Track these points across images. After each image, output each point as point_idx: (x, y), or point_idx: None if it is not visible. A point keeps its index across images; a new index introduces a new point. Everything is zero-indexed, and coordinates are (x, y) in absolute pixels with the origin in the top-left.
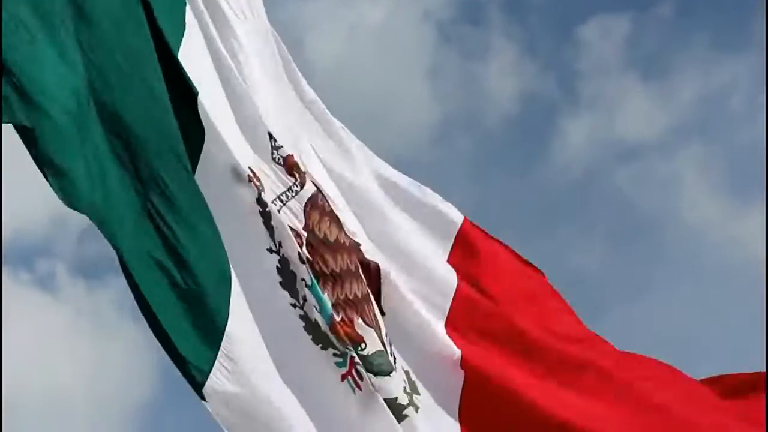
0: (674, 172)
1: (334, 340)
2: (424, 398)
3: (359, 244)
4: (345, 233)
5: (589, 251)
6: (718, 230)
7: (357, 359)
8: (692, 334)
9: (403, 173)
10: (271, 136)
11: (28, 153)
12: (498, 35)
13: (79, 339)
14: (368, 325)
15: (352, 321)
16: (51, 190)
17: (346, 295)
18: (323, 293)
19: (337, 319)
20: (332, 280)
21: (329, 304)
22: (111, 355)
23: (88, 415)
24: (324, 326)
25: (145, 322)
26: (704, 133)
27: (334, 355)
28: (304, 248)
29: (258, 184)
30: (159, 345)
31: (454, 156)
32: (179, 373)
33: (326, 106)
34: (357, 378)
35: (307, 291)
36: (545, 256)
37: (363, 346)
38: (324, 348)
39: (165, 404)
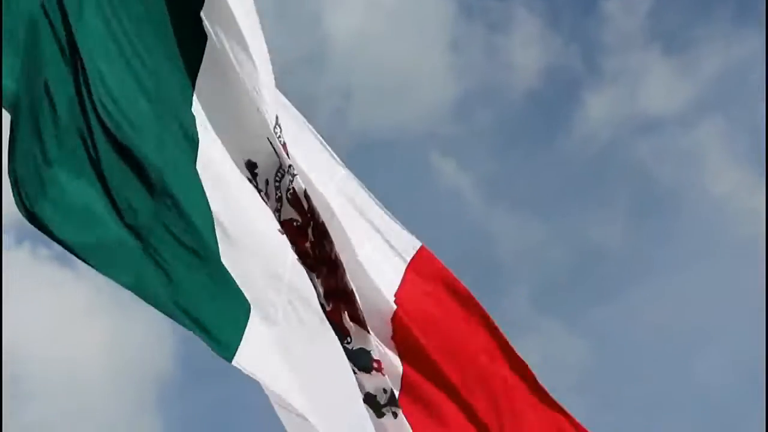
0: (696, 145)
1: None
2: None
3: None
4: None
5: (611, 225)
6: (740, 203)
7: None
8: (714, 307)
9: (424, 147)
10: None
11: None
12: (521, 8)
13: (98, 314)
14: (353, 320)
15: (340, 313)
16: None
17: (337, 284)
18: (318, 279)
19: (328, 308)
20: (327, 266)
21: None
22: (129, 330)
23: (107, 387)
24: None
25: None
26: (725, 107)
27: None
28: (309, 230)
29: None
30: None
31: (475, 129)
32: (197, 348)
33: (347, 81)
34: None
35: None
36: (566, 230)
37: (349, 339)
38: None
39: (183, 378)
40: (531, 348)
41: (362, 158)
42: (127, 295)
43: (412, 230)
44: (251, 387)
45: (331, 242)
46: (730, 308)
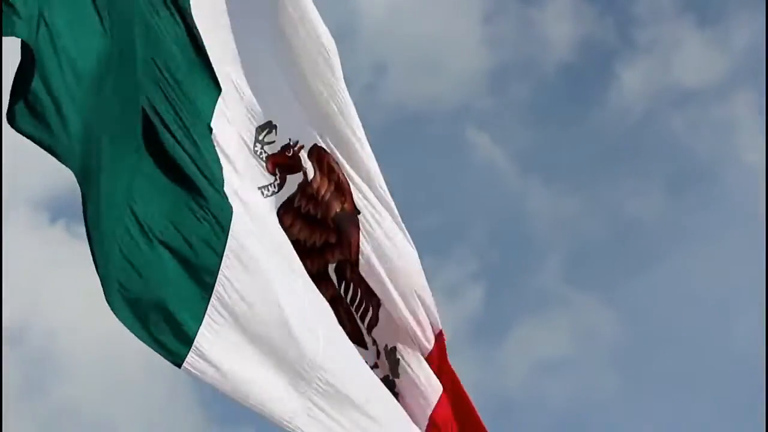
0: (730, 116)
1: None
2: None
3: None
4: (321, 235)
5: (645, 197)
6: None
7: None
8: (748, 276)
9: (458, 121)
10: (261, 129)
11: None
12: None
13: None
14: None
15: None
16: None
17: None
18: None
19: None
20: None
21: None
22: None
23: (142, 363)
24: None
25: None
26: (759, 77)
27: None
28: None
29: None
30: None
31: (509, 103)
32: None
33: (378, 56)
34: None
35: None
36: (600, 203)
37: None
38: None
39: None
40: (563, 320)
41: (395, 133)
42: None
43: (446, 204)
44: None
45: (313, 255)
46: (756, 276)
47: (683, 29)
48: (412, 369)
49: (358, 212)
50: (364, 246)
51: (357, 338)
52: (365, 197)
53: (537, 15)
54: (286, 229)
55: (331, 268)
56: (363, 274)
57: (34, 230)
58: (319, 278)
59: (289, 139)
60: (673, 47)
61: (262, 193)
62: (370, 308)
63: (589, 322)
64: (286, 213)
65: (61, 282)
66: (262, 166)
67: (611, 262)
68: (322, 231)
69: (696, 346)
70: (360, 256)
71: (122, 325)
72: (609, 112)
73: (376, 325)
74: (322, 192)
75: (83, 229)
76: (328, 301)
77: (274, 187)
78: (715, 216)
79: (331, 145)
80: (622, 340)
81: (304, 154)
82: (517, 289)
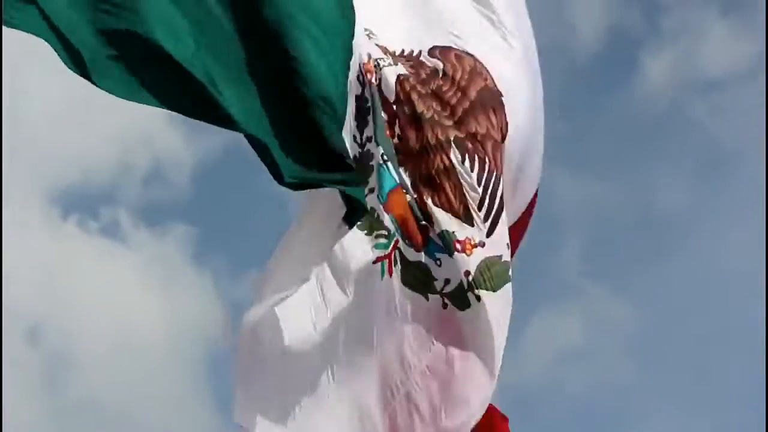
0: (757, 103)
1: (385, 221)
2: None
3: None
4: (438, 109)
5: (672, 186)
6: None
7: (401, 243)
8: None
9: None
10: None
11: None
12: None
13: (148, 286)
14: (436, 205)
15: (424, 200)
16: (116, 135)
17: (422, 172)
18: (401, 169)
19: (408, 199)
20: (414, 157)
21: (393, 182)
22: (179, 302)
23: (158, 359)
24: (378, 207)
25: (207, 267)
26: None
27: (377, 236)
28: (395, 127)
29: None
30: (225, 284)
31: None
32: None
33: None
34: (391, 263)
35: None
36: (631, 192)
37: (431, 224)
38: (368, 234)
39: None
40: (579, 306)
41: None
42: (177, 266)
43: None
44: None
45: (421, 129)
46: None
47: (708, 16)
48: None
49: (501, 94)
50: (511, 125)
51: (464, 214)
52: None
53: (565, 2)
54: (404, 99)
55: (453, 138)
56: (506, 153)
57: (46, 226)
58: (430, 150)
59: (394, 50)
60: (699, 34)
61: (379, 64)
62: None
63: (606, 310)
64: (405, 81)
65: (75, 278)
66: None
67: (632, 251)
68: (445, 104)
69: (713, 336)
70: (507, 133)
71: (144, 319)
72: (635, 100)
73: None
74: (458, 73)
75: (95, 224)
76: (434, 172)
77: (389, 62)
78: (740, 205)
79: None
80: (638, 329)
81: (425, 56)
82: (538, 278)
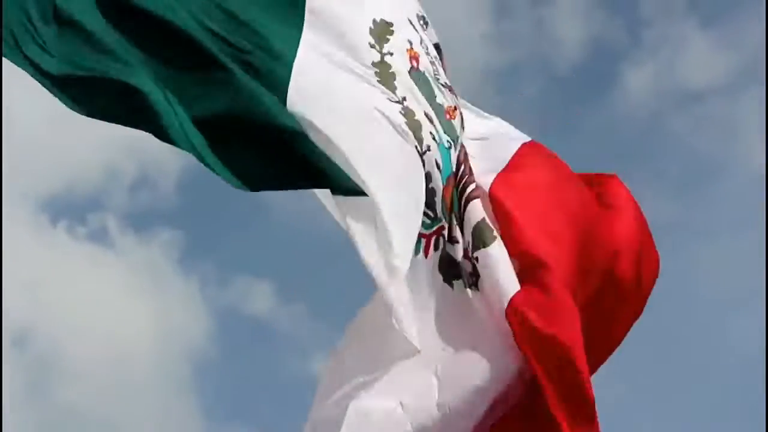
0: (736, 116)
1: (437, 204)
2: None
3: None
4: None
5: (658, 196)
6: None
7: (446, 231)
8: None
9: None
10: None
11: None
12: None
13: (137, 293)
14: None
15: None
16: (102, 141)
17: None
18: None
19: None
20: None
21: (450, 170)
22: (167, 308)
23: (146, 365)
24: (438, 188)
25: (194, 273)
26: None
27: (423, 214)
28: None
29: None
30: (211, 290)
31: (519, 100)
32: (230, 326)
33: None
34: (430, 245)
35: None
36: None
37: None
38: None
39: (220, 349)
40: None
41: None
42: (163, 272)
43: None
44: (280, 364)
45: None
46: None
47: (690, 29)
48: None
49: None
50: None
51: None
52: None
53: (547, 14)
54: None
55: None
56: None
57: (35, 232)
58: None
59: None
60: (680, 47)
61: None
62: None
63: None
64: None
65: (63, 284)
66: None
67: None
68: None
69: (693, 346)
70: None
71: (133, 326)
72: (616, 113)
73: None
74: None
75: (83, 230)
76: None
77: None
78: (718, 216)
79: None
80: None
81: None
82: None
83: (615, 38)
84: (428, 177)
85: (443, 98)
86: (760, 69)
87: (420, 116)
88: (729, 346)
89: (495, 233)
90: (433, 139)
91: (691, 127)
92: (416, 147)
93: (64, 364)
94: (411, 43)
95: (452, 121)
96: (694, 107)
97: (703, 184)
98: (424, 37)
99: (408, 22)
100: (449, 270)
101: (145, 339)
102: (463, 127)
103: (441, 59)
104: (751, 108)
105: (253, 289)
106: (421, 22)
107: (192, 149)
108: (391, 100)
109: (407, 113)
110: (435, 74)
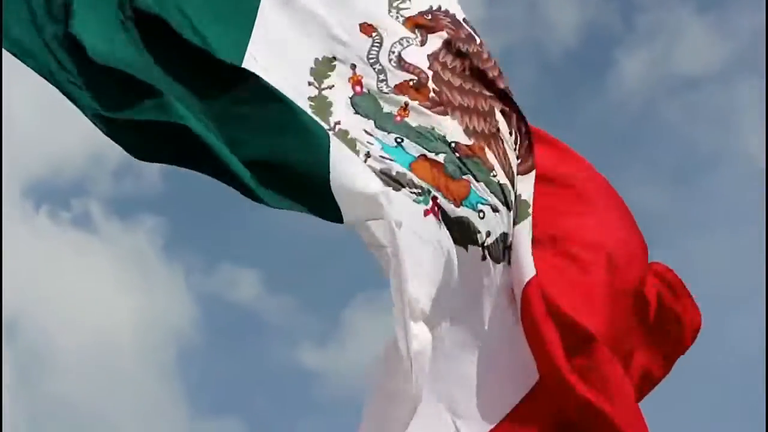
0: (734, 105)
1: (413, 179)
2: None
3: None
4: (480, 81)
5: (648, 187)
6: None
7: (441, 200)
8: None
9: None
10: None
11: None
12: None
13: (119, 278)
14: (497, 158)
15: (483, 148)
16: (87, 127)
17: (476, 126)
18: (454, 119)
19: (470, 143)
20: (462, 110)
21: (411, 157)
22: (149, 293)
23: (129, 348)
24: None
25: (179, 260)
26: (764, 66)
27: (412, 192)
28: (430, 81)
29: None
30: (197, 278)
31: (512, 87)
32: (215, 314)
33: None
34: (438, 217)
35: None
36: None
37: (494, 173)
38: (396, 190)
39: (205, 338)
40: None
41: None
42: (148, 259)
43: None
44: (266, 353)
45: (470, 94)
46: (758, 272)
47: (685, 15)
48: None
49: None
50: None
51: (511, 179)
52: None
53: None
54: (440, 70)
55: (497, 111)
56: None
57: (17, 217)
58: (483, 112)
59: (430, 6)
60: (676, 34)
61: (407, 42)
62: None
63: None
64: (436, 60)
65: (46, 271)
66: (401, 26)
67: None
68: (475, 81)
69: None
70: None
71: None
72: (610, 100)
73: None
74: (488, 55)
75: (68, 215)
76: (488, 131)
77: (417, 42)
78: (713, 207)
79: None
80: None
81: (461, 18)
82: None
83: (609, 24)
84: (384, 173)
85: (390, 105)
86: (755, 57)
87: (355, 133)
88: (727, 345)
89: (530, 209)
90: (373, 144)
91: (685, 116)
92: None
93: (46, 352)
94: (354, 68)
95: (405, 119)
96: (689, 95)
97: (698, 173)
98: (387, 38)
99: (353, 32)
100: (463, 234)
101: (129, 326)
102: (428, 115)
103: (457, 26)
104: (746, 96)
105: (238, 277)
106: (397, 1)
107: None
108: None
109: (339, 134)
110: (380, 87)
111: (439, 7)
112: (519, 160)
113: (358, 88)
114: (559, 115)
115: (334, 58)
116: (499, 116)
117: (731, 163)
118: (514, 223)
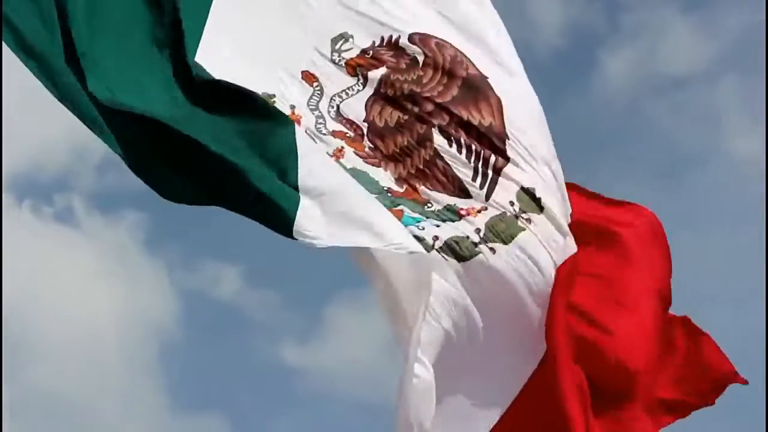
0: (719, 104)
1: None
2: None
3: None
4: (417, 107)
5: (635, 185)
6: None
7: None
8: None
9: None
10: (335, 41)
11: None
12: None
13: (101, 272)
14: (431, 189)
15: (416, 188)
16: (70, 121)
17: (408, 170)
18: (387, 171)
19: (401, 190)
20: (394, 160)
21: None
22: (131, 288)
23: (111, 342)
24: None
25: (161, 256)
26: (749, 64)
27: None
28: (365, 138)
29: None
30: (179, 274)
31: None
32: (197, 309)
33: None
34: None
35: None
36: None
37: (430, 205)
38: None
39: (187, 333)
40: None
41: None
42: (130, 254)
43: None
44: (248, 349)
45: (405, 130)
46: (746, 270)
47: (669, 14)
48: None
49: (486, 76)
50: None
51: (460, 189)
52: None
53: None
54: (375, 115)
55: (437, 126)
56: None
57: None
58: (413, 149)
59: (373, 41)
60: (660, 33)
61: (346, 94)
62: (492, 157)
63: None
64: (375, 103)
65: (28, 264)
66: (343, 71)
67: None
68: (417, 104)
69: None
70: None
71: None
72: (595, 99)
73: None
74: (439, 64)
75: (50, 210)
76: (421, 165)
77: (359, 86)
78: (697, 206)
79: (431, 29)
80: None
81: (405, 42)
82: None
83: (594, 23)
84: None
85: (327, 146)
86: (740, 56)
87: None
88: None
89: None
90: None
91: (670, 115)
92: None
93: (29, 345)
94: (294, 108)
95: (341, 159)
96: (673, 94)
97: (683, 172)
98: (326, 68)
99: (296, 77)
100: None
101: (112, 321)
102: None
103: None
104: (731, 95)
105: (221, 273)
106: (339, 43)
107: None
108: None
109: None
110: (318, 128)
111: (382, 40)
112: (494, 159)
113: (297, 125)
114: (545, 114)
115: (274, 96)
116: (436, 136)
117: (716, 162)
118: (504, 242)
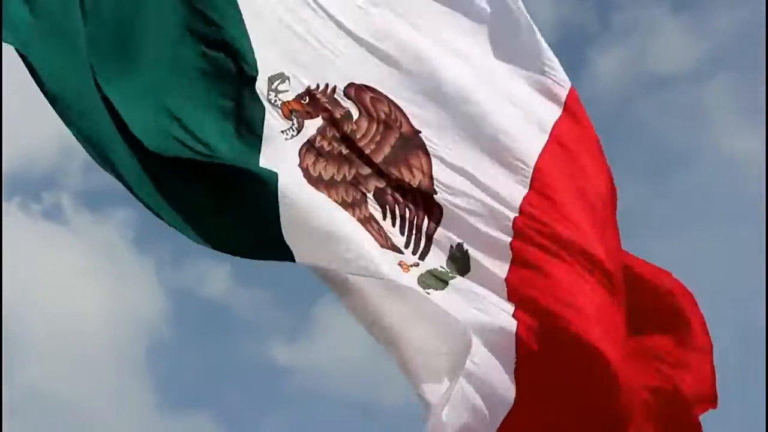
0: (708, 103)
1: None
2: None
3: (374, 173)
4: (353, 170)
5: (625, 183)
6: (756, 163)
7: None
8: (719, 268)
9: None
10: (271, 80)
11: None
12: None
13: (90, 270)
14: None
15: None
16: (58, 121)
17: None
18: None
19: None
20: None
21: None
22: (119, 285)
23: (99, 339)
24: None
25: (150, 254)
26: (737, 64)
27: None
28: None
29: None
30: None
31: None
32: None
33: None
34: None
35: None
36: None
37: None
38: None
39: (175, 331)
40: None
41: None
42: (119, 251)
43: None
44: (236, 348)
45: (338, 186)
46: (735, 270)
47: (660, 13)
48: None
49: (419, 131)
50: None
51: (393, 248)
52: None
53: None
54: (310, 165)
55: (372, 190)
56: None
57: None
58: (347, 206)
59: (308, 86)
60: (651, 32)
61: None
62: (425, 223)
63: None
64: (308, 152)
65: (16, 262)
66: (278, 113)
67: None
68: (351, 164)
69: None
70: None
71: (88, 304)
72: (585, 98)
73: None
74: (372, 123)
75: (39, 207)
76: (359, 223)
77: (293, 131)
78: (687, 204)
79: (371, 81)
80: None
81: (340, 95)
82: None
83: (585, 22)
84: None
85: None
86: (730, 56)
87: None
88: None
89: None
90: None
91: (659, 113)
92: None
93: (16, 342)
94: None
95: None
96: (663, 93)
97: (671, 170)
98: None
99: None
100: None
101: (100, 318)
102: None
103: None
104: (720, 94)
105: (210, 272)
106: (275, 83)
107: None
108: None
109: None
110: None
111: (318, 86)
112: (426, 224)
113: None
114: None
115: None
116: (371, 205)
117: (705, 160)
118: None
